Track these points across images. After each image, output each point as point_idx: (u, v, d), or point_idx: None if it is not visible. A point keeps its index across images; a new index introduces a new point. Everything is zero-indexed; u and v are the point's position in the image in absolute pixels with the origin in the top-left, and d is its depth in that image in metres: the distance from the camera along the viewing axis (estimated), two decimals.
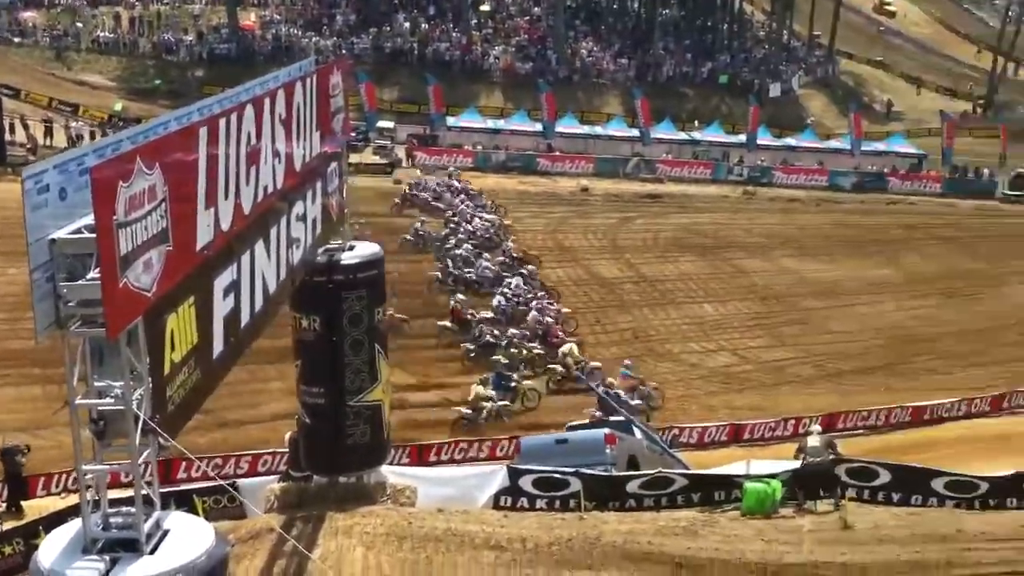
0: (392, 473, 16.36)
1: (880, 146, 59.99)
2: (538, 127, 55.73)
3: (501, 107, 60.97)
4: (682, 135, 58.49)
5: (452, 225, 38.38)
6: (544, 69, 63.79)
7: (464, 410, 26.11)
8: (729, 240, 44.10)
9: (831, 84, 76.04)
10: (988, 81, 78.07)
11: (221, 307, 10.54)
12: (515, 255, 36.75)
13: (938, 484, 17.37)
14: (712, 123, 60.13)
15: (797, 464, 16.96)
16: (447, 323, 30.55)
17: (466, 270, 34.42)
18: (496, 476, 17.22)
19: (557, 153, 53.44)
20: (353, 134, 44.23)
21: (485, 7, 69.69)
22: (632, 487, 17.29)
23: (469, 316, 30.60)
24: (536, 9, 71.23)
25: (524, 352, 29.25)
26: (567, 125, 56.53)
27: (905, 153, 59.17)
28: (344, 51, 59.03)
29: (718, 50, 72.30)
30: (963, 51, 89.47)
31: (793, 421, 26.92)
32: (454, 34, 65.04)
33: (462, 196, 42.64)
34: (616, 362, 29.78)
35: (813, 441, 17.02)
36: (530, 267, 35.52)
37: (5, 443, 20.76)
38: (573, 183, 48.89)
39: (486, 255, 35.90)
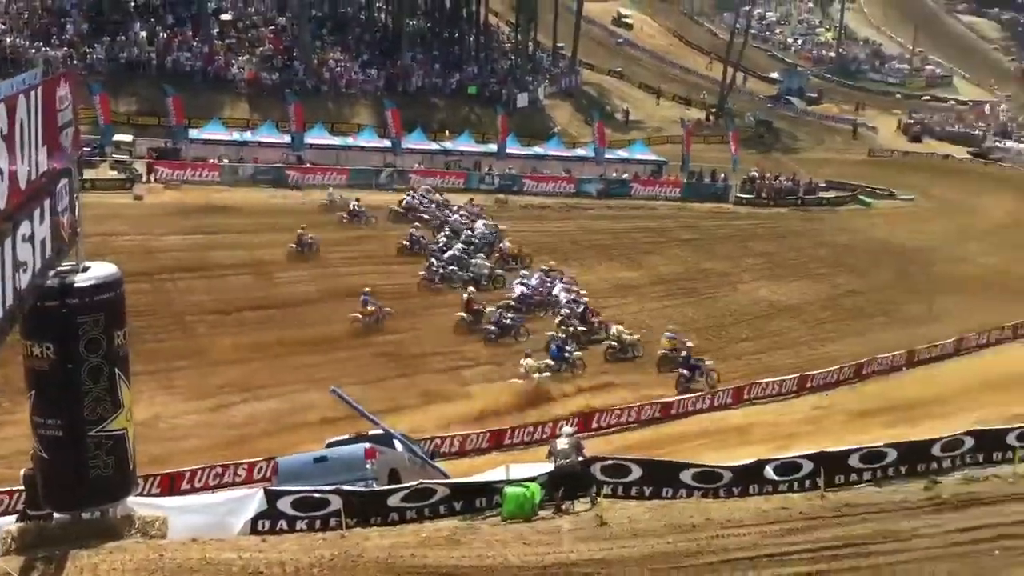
0: (140, 505, 15.53)
1: (623, 153, 62.49)
2: (287, 139, 54.72)
3: (247, 118, 59.44)
4: (434, 145, 59.04)
5: (444, 230, 42.91)
6: (291, 79, 62.80)
7: (518, 380, 30.03)
8: None
9: (575, 94, 78.63)
10: (719, 90, 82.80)
11: None
12: (510, 254, 41.76)
13: (686, 476, 18.11)
14: (463, 133, 60.89)
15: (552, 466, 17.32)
16: (463, 314, 34.64)
17: (452, 268, 38.75)
18: (252, 500, 16.63)
19: (308, 165, 52.72)
20: (86, 149, 42.29)
21: (227, 16, 67.81)
22: (394, 501, 17.13)
23: (480, 307, 34.84)
24: (281, 19, 69.98)
25: (571, 329, 33.65)
26: (317, 136, 55.86)
27: (646, 160, 61.86)
28: (76, 62, 56.03)
29: (466, 61, 73.31)
30: (696, 62, 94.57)
31: (551, 424, 27.44)
32: (195, 44, 62.96)
33: (458, 207, 47.09)
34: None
35: (562, 443, 17.39)
36: (550, 264, 39.89)
37: None
38: (325, 195, 48.34)
39: (480, 255, 40.22)
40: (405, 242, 41.69)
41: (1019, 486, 17.94)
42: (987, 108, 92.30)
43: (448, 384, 31.47)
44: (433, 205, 47.33)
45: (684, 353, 31.92)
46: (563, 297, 36.28)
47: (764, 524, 16.31)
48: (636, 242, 47.90)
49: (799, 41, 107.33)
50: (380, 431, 20.53)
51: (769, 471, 18.29)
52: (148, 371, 27.93)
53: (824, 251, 50.26)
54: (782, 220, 56.63)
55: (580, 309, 35.24)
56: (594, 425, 28.40)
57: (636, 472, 18.01)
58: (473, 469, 22.52)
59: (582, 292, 37.05)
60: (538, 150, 61.09)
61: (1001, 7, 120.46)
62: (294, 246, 40.37)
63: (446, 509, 17.37)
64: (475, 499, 17.53)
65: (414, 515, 17.10)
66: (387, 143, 56.52)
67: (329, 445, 20.26)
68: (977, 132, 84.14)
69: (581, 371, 31.99)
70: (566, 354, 31.85)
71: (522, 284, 37.14)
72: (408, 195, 47.95)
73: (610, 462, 18.14)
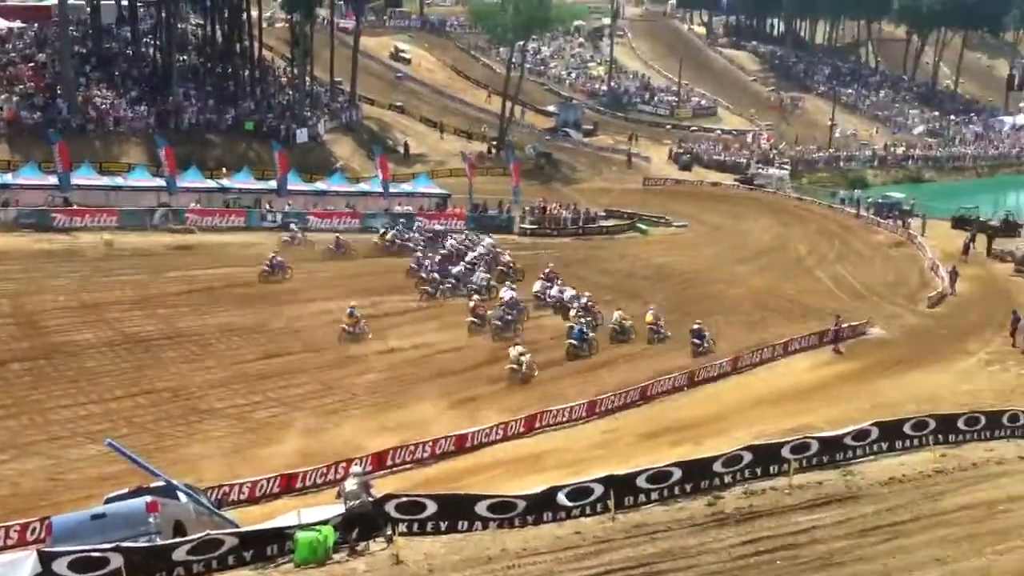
0: None
1: (407, 187, 62.66)
2: (52, 180, 52.00)
3: (7, 160, 56.31)
4: (211, 183, 57.41)
5: (444, 252, 49.02)
6: (55, 118, 59.89)
7: (512, 367, 35.17)
8: (268, 288, 43.61)
9: (356, 128, 78.36)
10: (499, 123, 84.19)
11: None
12: (511, 266, 48.95)
13: (481, 508, 18.15)
14: (241, 170, 59.49)
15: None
16: (471, 318, 40.04)
17: (448, 282, 44.79)
18: (25, 563, 15.61)
19: (75, 207, 50.25)
20: None
21: None
22: (179, 554, 16.42)
23: (484, 311, 40.52)
24: (41, 56, 66.60)
25: (583, 320, 40.36)
26: (85, 176, 53.37)
27: (431, 193, 62.18)
28: None
29: (241, 96, 71.85)
30: (475, 96, 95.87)
31: (344, 464, 26.76)
32: None
33: (460, 234, 53.97)
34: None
35: (350, 484, 17.12)
36: (549, 266, 47.97)
37: None
38: (95, 238, 46.21)
39: (481, 269, 46.89)
40: (413, 265, 46.81)
41: (795, 497, 18.84)
42: (750, 137, 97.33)
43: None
44: (417, 234, 52.96)
45: (695, 327, 39.53)
46: (568, 295, 43.42)
47: (559, 551, 16.50)
48: None
49: (573, 75, 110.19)
50: (162, 483, 19.58)
51: (562, 497, 18.54)
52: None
53: (607, 278, 51.55)
54: (566, 249, 57.86)
55: (585, 303, 42.29)
56: (388, 463, 28.05)
57: (431, 507, 17.91)
58: (264, 516, 21.80)
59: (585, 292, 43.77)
60: (321, 186, 60.44)
61: (758, 41, 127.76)
62: (266, 268, 44.10)
63: (236, 559, 16.83)
64: (266, 547, 17.05)
65: (202, 568, 16.50)
66: (161, 182, 54.58)
67: (108, 500, 19.20)
68: (742, 160, 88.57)
69: (596, 349, 38.83)
70: (585, 336, 38.75)
71: (510, 290, 43.19)
72: (393, 229, 52.64)
73: (404, 499, 17.97)
